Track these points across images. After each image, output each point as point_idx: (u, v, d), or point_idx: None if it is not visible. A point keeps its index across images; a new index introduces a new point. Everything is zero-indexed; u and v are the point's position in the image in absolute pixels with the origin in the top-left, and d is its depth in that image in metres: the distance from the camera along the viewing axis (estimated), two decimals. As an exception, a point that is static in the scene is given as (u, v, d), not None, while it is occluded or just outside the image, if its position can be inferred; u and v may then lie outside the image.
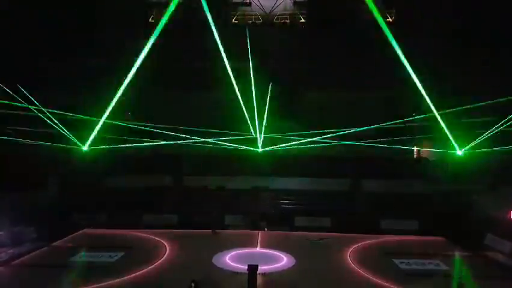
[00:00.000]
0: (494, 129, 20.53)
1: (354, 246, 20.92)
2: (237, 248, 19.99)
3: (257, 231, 24.23)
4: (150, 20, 33.55)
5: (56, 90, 24.69)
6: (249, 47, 23.51)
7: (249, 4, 34.04)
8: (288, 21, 34.62)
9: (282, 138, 31.49)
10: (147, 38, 10.89)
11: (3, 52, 23.25)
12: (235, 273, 15.88)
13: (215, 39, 12.89)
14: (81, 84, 27.20)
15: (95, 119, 17.21)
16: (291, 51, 32.36)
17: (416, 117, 32.35)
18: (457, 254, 20.16)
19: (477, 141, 24.62)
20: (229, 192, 29.36)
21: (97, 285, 14.40)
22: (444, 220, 24.59)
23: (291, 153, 31.14)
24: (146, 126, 27.93)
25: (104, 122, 15.69)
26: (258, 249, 20.65)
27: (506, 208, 23.24)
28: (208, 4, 10.95)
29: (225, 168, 30.31)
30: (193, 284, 12.52)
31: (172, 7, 10.26)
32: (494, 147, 25.55)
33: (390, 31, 10.55)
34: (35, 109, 19.25)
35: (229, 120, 29.69)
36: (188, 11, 27.18)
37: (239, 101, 24.83)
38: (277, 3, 33.83)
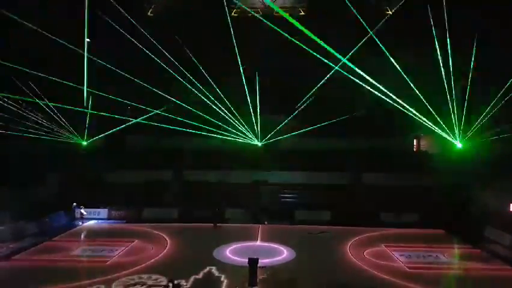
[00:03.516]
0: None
1: (354, 239, 20.99)
2: (237, 242, 20.05)
3: (257, 225, 24.28)
4: (149, 13, 33.25)
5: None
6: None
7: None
8: (288, 13, 34.30)
9: (282, 132, 31.40)
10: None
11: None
12: (236, 267, 15.92)
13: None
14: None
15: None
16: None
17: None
18: (457, 247, 20.22)
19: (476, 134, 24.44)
20: (229, 186, 29.34)
21: (98, 279, 14.45)
22: (444, 213, 24.65)
23: (290, 147, 31.08)
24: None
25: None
26: (258, 242, 20.72)
27: (505, 201, 23.26)
28: None
29: (225, 162, 30.24)
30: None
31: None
32: (493, 140, 25.49)
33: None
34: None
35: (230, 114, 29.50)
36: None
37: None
38: (277, -4, 33.51)
